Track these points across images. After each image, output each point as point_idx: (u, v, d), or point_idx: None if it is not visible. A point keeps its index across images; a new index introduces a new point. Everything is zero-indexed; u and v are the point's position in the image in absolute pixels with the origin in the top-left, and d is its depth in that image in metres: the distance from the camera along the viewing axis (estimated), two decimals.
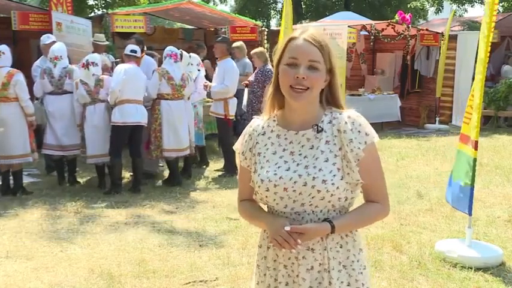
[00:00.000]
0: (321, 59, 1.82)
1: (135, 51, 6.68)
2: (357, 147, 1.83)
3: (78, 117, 6.80)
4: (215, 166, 8.10)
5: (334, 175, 1.80)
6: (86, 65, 6.66)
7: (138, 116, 6.56)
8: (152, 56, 7.66)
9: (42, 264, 4.42)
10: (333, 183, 1.79)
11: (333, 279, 1.85)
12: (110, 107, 6.68)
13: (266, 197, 1.87)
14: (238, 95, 8.01)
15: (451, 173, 4.67)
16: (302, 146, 1.87)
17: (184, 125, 7.01)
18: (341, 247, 1.88)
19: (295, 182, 1.81)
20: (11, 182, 6.64)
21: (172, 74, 6.82)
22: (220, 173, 7.71)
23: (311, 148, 1.85)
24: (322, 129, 1.86)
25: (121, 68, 6.61)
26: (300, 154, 1.86)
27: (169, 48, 7.03)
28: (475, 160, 4.29)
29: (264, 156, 1.91)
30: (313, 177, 1.79)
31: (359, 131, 1.85)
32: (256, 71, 7.76)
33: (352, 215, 1.90)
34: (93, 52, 7.76)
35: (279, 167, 1.85)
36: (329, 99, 1.91)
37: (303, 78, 1.78)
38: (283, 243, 1.79)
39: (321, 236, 1.84)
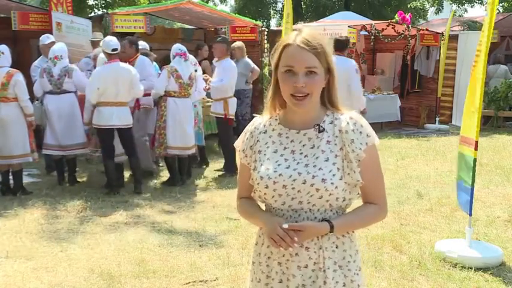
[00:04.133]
0: (318, 63, 1.82)
1: (116, 49, 6.44)
2: (358, 147, 1.85)
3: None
4: (215, 166, 8.09)
5: (333, 174, 1.82)
6: None
7: (113, 119, 6.41)
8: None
9: (42, 264, 4.42)
10: (332, 183, 1.81)
11: (328, 279, 1.86)
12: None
13: (265, 194, 1.89)
14: (239, 95, 8.00)
15: (459, 177, 4.63)
16: (303, 145, 1.89)
17: (191, 123, 7.01)
18: (337, 247, 1.89)
19: (294, 180, 1.83)
20: (11, 182, 6.64)
21: (181, 73, 6.80)
22: (220, 173, 7.71)
23: (312, 147, 1.87)
24: (324, 129, 1.88)
25: (96, 71, 6.47)
26: (300, 153, 1.88)
27: (178, 47, 6.96)
28: (475, 160, 4.29)
29: (265, 154, 1.92)
30: (313, 176, 1.81)
31: (360, 132, 1.87)
32: None
33: (350, 215, 1.92)
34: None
35: (279, 165, 1.87)
36: (329, 99, 1.92)
37: (302, 86, 1.80)
38: (280, 242, 1.81)
39: (319, 235, 1.85)
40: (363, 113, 6.98)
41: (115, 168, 6.75)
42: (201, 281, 4.05)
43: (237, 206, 2.12)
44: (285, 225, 1.81)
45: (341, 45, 7.01)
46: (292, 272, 1.87)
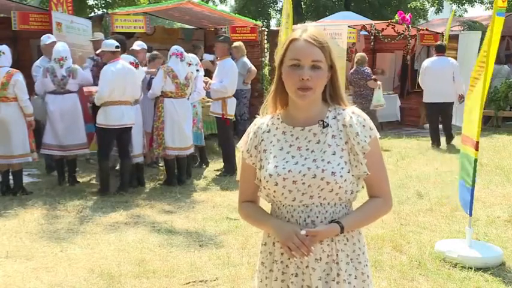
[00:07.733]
0: (323, 58, 1.87)
1: (118, 46, 6.44)
2: (363, 140, 1.89)
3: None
4: (215, 166, 8.09)
5: (342, 168, 1.86)
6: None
7: (124, 118, 6.42)
8: (156, 56, 7.63)
9: (42, 264, 4.42)
10: (341, 176, 1.85)
11: (341, 271, 1.90)
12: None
13: (274, 191, 1.90)
14: (237, 95, 7.99)
15: (460, 176, 4.63)
16: (309, 141, 1.91)
17: (188, 123, 7.00)
18: (348, 240, 1.93)
19: (304, 175, 1.85)
20: (11, 182, 6.64)
21: (177, 73, 6.78)
22: (220, 172, 7.70)
23: (318, 143, 1.90)
24: (328, 124, 1.91)
25: (108, 69, 6.39)
26: (307, 149, 1.90)
27: (175, 47, 6.98)
28: (475, 160, 4.28)
29: (271, 153, 1.94)
30: (322, 170, 1.84)
31: (363, 126, 1.91)
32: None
33: (358, 213, 1.95)
34: (95, 51, 7.72)
35: (287, 162, 1.89)
36: (332, 95, 1.96)
37: (307, 79, 1.83)
38: (296, 250, 1.83)
39: (330, 237, 1.89)
40: (461, 97, 9.15)
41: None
42: (201, 281, 4.05)
43: (239, 210, 2.11)
44: (303, 232, 1.83)
45: (442, 48, 9.66)
46: (311, 265, 1.89)
